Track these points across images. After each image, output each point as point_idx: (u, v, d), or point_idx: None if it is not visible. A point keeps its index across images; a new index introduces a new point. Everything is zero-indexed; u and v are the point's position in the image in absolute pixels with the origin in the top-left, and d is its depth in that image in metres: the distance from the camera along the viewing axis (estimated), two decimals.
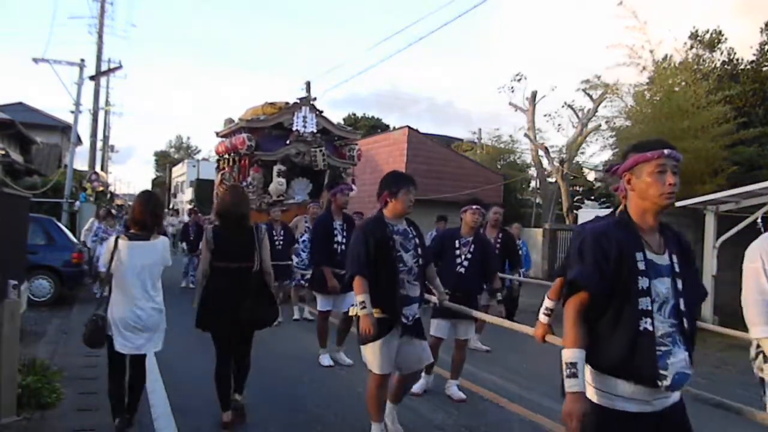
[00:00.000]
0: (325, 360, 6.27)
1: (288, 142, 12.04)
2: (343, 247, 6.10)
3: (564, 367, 2.19)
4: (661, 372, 2.10)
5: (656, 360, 2.10)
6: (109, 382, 4.18)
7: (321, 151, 12.13)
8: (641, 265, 2.15)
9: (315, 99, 12.89)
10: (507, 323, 3.85)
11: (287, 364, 6.37)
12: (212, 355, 4.58)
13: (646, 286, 2.14)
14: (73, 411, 4.56)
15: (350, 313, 4.06)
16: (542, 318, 3.05)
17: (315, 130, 12.33)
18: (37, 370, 4.80)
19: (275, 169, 11.88)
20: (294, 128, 12.14)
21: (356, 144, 13.42)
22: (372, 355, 3.92)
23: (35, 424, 4.25)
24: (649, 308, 2.13)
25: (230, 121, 13.69)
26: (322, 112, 12.62)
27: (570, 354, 2.17)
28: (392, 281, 3.85)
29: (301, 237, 9.18)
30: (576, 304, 2.19)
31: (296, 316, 9.12)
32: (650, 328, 2.12)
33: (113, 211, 11.95)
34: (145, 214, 4.21)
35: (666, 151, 2.17)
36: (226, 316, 4.31)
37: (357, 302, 3.82)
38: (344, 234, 6.23)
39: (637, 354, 2.11)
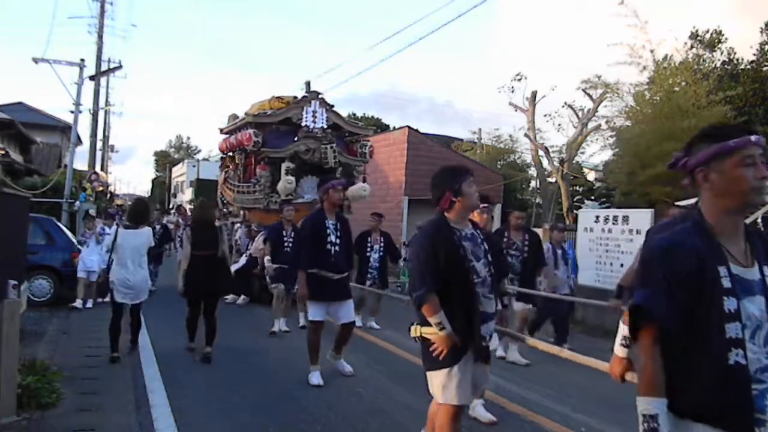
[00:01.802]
0: (315, 378, 5.56)
1: (296, 138, 11.38)
2: (338, 248, 5.65)
3: (641, 419, 1.76)
4: (759, 416, 1.69)
5: (752, 402, 1.69)
6: (110, 321, 6.25)
7: (332, 147, 11.44)
8: (726, 282, 1.74)
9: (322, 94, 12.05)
10: (582, 358, 3.25)
11: (288, 365, 6.37)
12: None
13: (734, 308, 1.73)
14: (73, 411, 4.55)
15: (412, 334, 3.44)
16: (619, 350, 2.43)
17: (325, 126, 11.66)
18: (37, 370, 4.81)
19: (283, 166, 11.21)
20: (303, 123, 11.47)
21: (368, 140, 12.70)
22: (444, 383, 3.28)
23: (35, 424, 4.24)
24: (740, 336, 1.72)
25: (234, 117, 13.02)
26: (332, 106, 11.93)
27: (650, 405, 1.74)
28: (467, 297, 3.28)
29: None
30: (652, 337, 1.77)
31: (302, 323, 8.50)
32: (742, 361, 1.70)
33: (91, 212, 11.70)
34: (135, 215, 6.72)
35: (753, 138, 1.80)
36: (200, 285, 6.47)
37: (433, 323, 3.23)
38: (338, 234, 5.71)
39: (726, 395, 1.70)
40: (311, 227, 5.72)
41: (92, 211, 12.38)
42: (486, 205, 4.78)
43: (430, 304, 3.23)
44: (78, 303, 9.37)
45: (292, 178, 11.17)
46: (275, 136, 11.55)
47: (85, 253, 9.67)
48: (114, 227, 8.22)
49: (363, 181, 12.01)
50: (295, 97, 11.97)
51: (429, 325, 3.28)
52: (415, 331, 3.40)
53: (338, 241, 5.68)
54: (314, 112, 11.56)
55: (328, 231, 5.66)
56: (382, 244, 8.82)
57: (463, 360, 3.26)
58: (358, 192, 11.61)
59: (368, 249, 8.90)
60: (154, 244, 7.45)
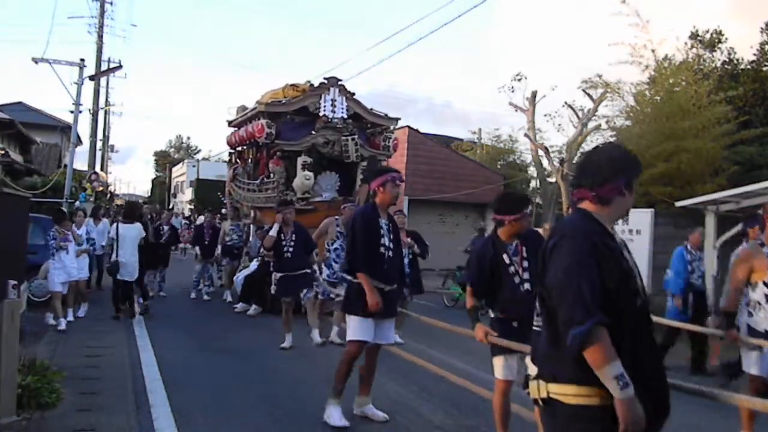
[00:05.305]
0: (336, 417, 4.51)
1: (314, 129, 10.23)
2: (391, 253, 4.70)
3: None
4: None
5: None
6: (112, 291, 8.86)
7: (353, 139, 10.22)
8: None
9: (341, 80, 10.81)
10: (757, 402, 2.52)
11: (289, 365, 6.37)
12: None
13: None
14: (73, 411, 4.56)
15: (533, 394, 2.16)
16: None
17: (345, 116, 10.41)
18: (37, 370, 4.79)
19: (299, 161, 9.99)
20: (321, 113, 10.24)
21: (392, 132, 11.35)
22: None
23: (35, 424, 4.25)
24: None
25: (243, 108, 12.00)
26: (353, 94, 10.66)
27: None
28: (641, 338, 2.07)
29: (331, 244, 7.60)
30: None
31: (318, 340, 7.44)
32: None
33: (63, 209, 10.88)
34: (129, 213, 9.30)
35: None
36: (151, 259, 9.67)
37: (608, 377, 1.91)
38: (391, 237, 4.74)
39: None
40: (366, 225, 4.66)
41: (63, 208, 11.65)
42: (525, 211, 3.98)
43: (601, 345, 1.92)
44: (61, 322, 7.83)
45: (311, 174, 9.97)
46: (290, 127, 10.43)
47: (66, 260, 8.14)
48: (100, 222, 11.05)
49: None
50: (312, 85, 10.89)
51: (564, 380, 2.03)
52: (540, 389, 2.09)
53: (391, 245, 4.73)
54: (333, 100, 10.38)
55: (382, 232, 4.68)
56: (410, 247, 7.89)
57: None
58: None
59: None
60: (155, 241, 9.04)
